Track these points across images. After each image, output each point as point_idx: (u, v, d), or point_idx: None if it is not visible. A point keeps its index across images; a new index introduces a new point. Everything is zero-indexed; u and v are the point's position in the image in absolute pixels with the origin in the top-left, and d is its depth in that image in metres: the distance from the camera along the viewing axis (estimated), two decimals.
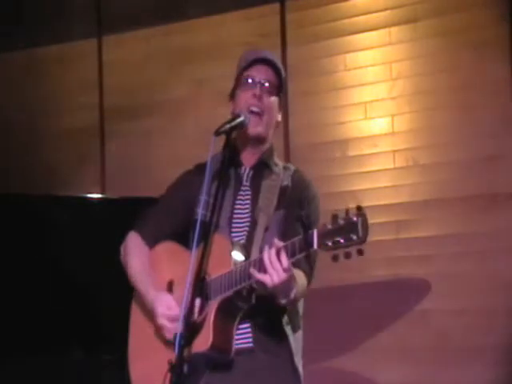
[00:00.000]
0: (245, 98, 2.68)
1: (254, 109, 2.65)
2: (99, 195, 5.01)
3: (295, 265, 2.45)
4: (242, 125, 2.62)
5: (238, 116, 2.62)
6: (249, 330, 2.56)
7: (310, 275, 2.62)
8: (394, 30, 4.89)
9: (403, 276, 4.69)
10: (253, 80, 2.69)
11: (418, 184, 4.75)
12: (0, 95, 5.87)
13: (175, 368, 2.31)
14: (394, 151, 4.83)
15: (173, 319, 2.53)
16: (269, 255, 2.36)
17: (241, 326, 2.53)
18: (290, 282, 2.40)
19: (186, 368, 2.31)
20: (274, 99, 2.71)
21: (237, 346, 2.50)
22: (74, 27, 5.80)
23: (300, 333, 2.67)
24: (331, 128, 5.01)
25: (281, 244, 2.37)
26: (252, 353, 2.56)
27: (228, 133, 2.56)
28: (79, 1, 5.86)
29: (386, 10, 4.92)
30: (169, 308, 2.57)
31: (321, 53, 5.07)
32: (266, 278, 2.36)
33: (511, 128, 4.54)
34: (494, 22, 4.63)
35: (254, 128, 2.67)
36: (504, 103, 4.56)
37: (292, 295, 2.44)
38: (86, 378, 4.07)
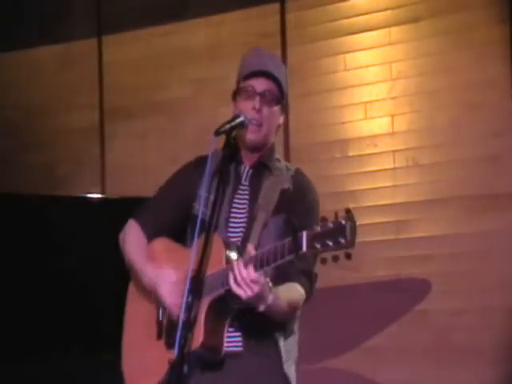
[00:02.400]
0: (244, 108, 2.66)
1: (254, 122, 2.64)
2: (99, 195, 5.01)
3: (286, 277, 2.49)
4: (242, 125, 2.61)
5: (238, 116, 2.61)
6: (239, 333, 2.55)
7: (308, 288, 2.59)
8: (394, 29, 4.89)
9: (403, 276, 4.69)
10: (253, 91, 2.67)
11: (417, 184, 4.74)
12: (0, 95, 5.88)
13: (175, 368, 2.30)
14: (394, 151, 4.83)
15: (177, 295, 2.52)
16: (238, 268, 2.36)
17: (231, 330, 2.52)
18: (263, 292, 2.37)
19: (186, 368, 2.30)
20: (274, 109, 2.69)
21: (226, 349, 2.49)
22: (74, 27, 5.80)
23: (294, 337, 2.65)
24: (331, 128, 5.01)
25: (253, 252, 2.37)
26: (241, 357, 2.55)
27: (228, 133, 2.56)
28: (79, 1, 5.86)
29: (386, 10, 4.92)
30: (173, 284, 2.57)
31: (321, 53, 5.07)
32: (240, 292, 2.36)
33: (511, 128, 4.54)
34: (494, 22, 4.63)
35: (252, 136, 2.66)
36: (504, 103, 4.57)
37: (269, 301, 2.40)
38: (86, 378, 4.07)
